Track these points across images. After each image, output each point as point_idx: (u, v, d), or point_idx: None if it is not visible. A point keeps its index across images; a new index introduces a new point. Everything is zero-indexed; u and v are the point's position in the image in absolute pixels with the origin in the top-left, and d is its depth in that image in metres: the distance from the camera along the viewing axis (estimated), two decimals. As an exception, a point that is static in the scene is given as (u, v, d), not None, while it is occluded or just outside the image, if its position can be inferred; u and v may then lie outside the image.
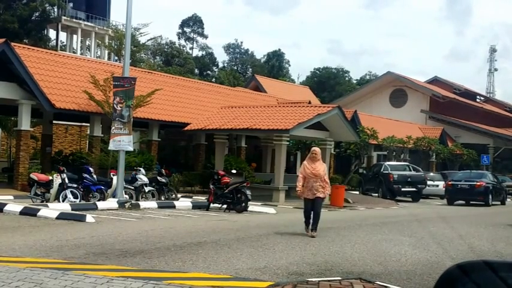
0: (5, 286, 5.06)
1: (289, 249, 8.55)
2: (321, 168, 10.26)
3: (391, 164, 27.26)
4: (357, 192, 27.67)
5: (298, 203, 19.85)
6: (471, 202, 23.28)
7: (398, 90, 44.64)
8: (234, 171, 17.62)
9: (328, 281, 6.11)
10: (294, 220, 13.55)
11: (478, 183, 23.23)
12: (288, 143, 21.49)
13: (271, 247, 8.67)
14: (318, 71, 67.90)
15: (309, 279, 6.17)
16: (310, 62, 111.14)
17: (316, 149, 10.55)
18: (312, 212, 10.19)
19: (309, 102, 28.00)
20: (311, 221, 10.17)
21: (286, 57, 69.72)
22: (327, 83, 63.86)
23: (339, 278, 6.35)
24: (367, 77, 69.75)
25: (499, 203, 24.38)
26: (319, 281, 6.06)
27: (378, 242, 9.98)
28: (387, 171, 25.72)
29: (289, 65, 70.97)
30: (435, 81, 50.86)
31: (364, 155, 29.96)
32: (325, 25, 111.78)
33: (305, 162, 10.40)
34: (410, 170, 26.25)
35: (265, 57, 69.44)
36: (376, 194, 26.25)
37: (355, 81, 68.62)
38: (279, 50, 69.80)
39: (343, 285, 5.89)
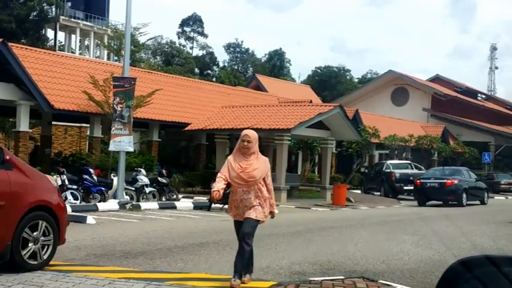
0: (4, 288, 5.00)
1: (291, 249, 8.48)
2: (259, 167, 5.76)
3: (393, 162, 27.20)
4: (359, 191, 27.63)
5: (300, 203, 19.86)
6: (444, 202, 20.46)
7: (399, 88, 44.57)
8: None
9: (331, 280, 6.04)
10: (296, 220, 13.49)
11: (449, 181, 20.44)
12: (289, 142, 21.41)
13: (273, 247, 8.60)
14: (319, 70, 67.83)
15: (312, 279, 6.10)
16: (312, 60, 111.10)
17: (250, 134, 5.91)
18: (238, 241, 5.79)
19: (310, 102, 27.91)
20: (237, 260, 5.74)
21: (287, 56, 69.61)
22: (328, 82, 63.80)
23: (342, 277, 6.28)
24: (369, 75, 69.68)
25: (478, 202, 21.61)
26: (321, 280, 5.99)
27: (380, 240, 9.91)
28: (389, 170, 25.66)
29: (290, 64, 70.89)
30: (437, 79, 50.79)
31: (365, 153, 29.90)
32: (327, 23, 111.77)
33: (230, 157, 5.96)
34: (412, 169, 26.17)
35: (266, 56, 69.40)
36: (378, 193, 26.21)
37: (356, 80, 68.56)
38: (280, 49, 69.73)
39: (346, 284, 5.81)
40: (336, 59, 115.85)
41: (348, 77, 68.89)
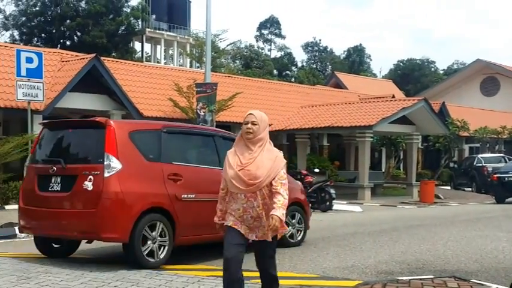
0: (105, 285, 5.36)
1: (377, 248, 8.35)
2: (266, 165, 4.14)
3: (484, 156, 25.89)
4: (448, 188, 26.59)
5: (385, 200, 19.44)
6: None
7: (489, 78, 42.20)
8: (316, 170, 17.53)
9: (420, 279, 5.89)
10: (381, 218, 13.24)
11: None
12: (371, 139, 21.03)
13: (358, 246, 8.52)
14: (401, 63, 65.85)
15: (399, 278, 5.99)
16: (393, 54, 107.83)
17: (255, 113, 4.35)
18: (260, 274, 4.50)
19: (393, 96, 27.21)
20: None
21: (367, 52, 68.39)
22: (412, 75, 61.76)
23: (432, 277, 6.11)
24: (455, 66, 66.62)
25: None
26: (410, 279, 5.86)
27: (472, 238, 9.49)
28: (481, 164, 24.47)
29: (371, 60, 69.69)
30: (530, 66, 47.50)
31: (454, 148, 28.65)
32: (408, 14, 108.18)
33: (229, 151, 4.36)
34: (506, 162, 24.72)
35: (345, 53, 68.50)
36: (470, 189, 25.08)
37: (441, 72, 65.76)
38: (360, 44, 68.61)
39: (436, 284, 5.65)
40: (419, 50, 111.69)
41: (433, 69, 66.22)
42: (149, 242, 6.35)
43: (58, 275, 5.80)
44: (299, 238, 8.46)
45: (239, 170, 4.13)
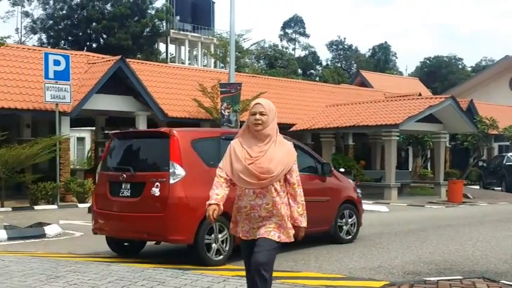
0: (132, 285, 5.41)
1: (404, 248, 8.24)
2: (278, 157, 3.78)
3: (514, 154, 25.32)
4: (477, 187, 26.08)
5: (412, 200, 19.18)
6: None
7: (519, 74, 41.25)
8: (342, 169, 17.33)
9: (448, 280, 5.78)
10: (408, 218, 13.07)
11: None
12: (398, 138, 20.77)
13: (385, 246, 8.43)
14: (428, 61, 64.96)
15: (427, 279, 5.89)
16: (419, 51, 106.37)
17: (264, 102, 3.89)
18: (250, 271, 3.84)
19: (419, 95, 26.82)
20: None
21: (393, 49, 67.63)
22: (439, 73, 60.84)
23: (460, 277, 5.99)
24: (483, 63, 65.32)
25: None
26: (438, 280, 5.76)
27: (502, 238, 9.29)
28: (511, 163, 23.93)
29: (396, 57, 68.74)
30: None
31: (483, 146, 28.07)
32: (435, 10, 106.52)
33: (234, 142, 3.91)
34: (536, 161, 24.17)
35: (370, 51, 67.89)
36: (499, 188, 24.54)
37: (469, 69, 64.61)
38: (385, 42, 68.00)
39: (465, 285, 5.54)
40: (446, 47, 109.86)
41: (460, 66, 65.14)
42: (213, 245, 6.84)
43: (86, 274, 5.88)
44: (352, 235, 8.84)
45: (249, 164, 3.73)
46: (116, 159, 7.55)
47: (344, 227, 8.68)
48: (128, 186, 7.01)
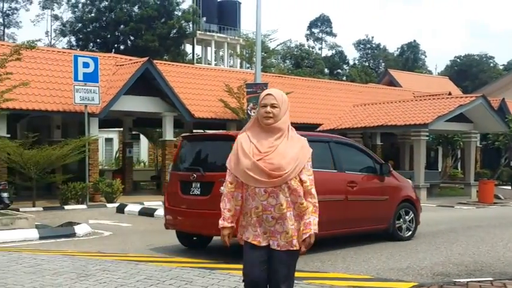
0: (159, 284, 5.46)
1: (433, 249, 8.11)
2: (291, 153, 3.40)
3: (547, 154, 24.68)
4: (509, 187, 25.47)
5: (442, 201, 18.85)
6: None
7: (552, 72, 40.17)
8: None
9: (478, 281, 5.67)
10: (437, 219, 12.85)
11: None
12: (427, 138, 20.47)
13: (413, 247, 8.31)
14: (458, 59, 63.90)
15: (456, 280, 5.79)
16: (449, 50, 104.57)
17: (275, 93, 3.49)
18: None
19: (449, 94, 26.33)
20: None
21: (422, 48, 66.68)
22: (469, 71, 59.77)
23: (491, 279, 5.87)
24: (516, 60, 63.93)
25: None
26: (467, 281, 5.65)
27: (535, 240, 9.05)
28: (544, 163, 23.34)
29: (425, 56, 67.83)
30: None
31: (515, 146, 27.47)
32: (465, 7, 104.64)
33: (241, 136, 3.53)
34: None
35: (399, 50, 67.08)
36: (532, 189, 23.98)
37: (501, 67, 63.26)
38: (414, 41, 67.02)
39: (495, 286, 5.42)
40: (476, 45, 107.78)
41: (492, 65, 63.85)
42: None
43: (115, 272, 5.96)
44: (410, 233, 9.16)
45: (258, 160, 3.33)
46: (186, 161, 8.17)
47: (403, 225, 9.06)
48: (198, 185, 7.54)
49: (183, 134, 8.78)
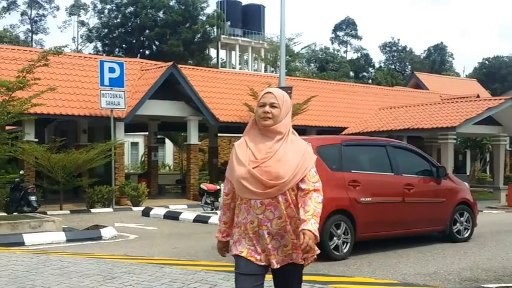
0: (184, 287, 5.47)
1: (460, 254, 7.95)
2: (291, 159, 2.96)
3: None
4: (540, 191, 24.84)
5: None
6: None
7: None
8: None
9: (507, 287, 5.53)
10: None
11: None
12: (455, 141, 20.14)
13: (440, 252, 8.16)
14: (487, 61, 62.79)
15: (485, 286, 5.67)
16: (478, 52, 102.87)
17: (275, 91, 3.09)
18: None
19: (477, 96, 25.92)
20: None
21: (449, 50, 65.80)
22: (498, 74, 58.67)
23: (521, 285, 5.72)
24: (547, 62, 62.52)
25: None
26: (496, 287, 5.52)
27: None
28: None
29: (453, 58, 66.86)
30: None
31: (546, 149, 26.81)
32: (494, 9, 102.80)
33: (237, 143, 3.14)
34: None
35: (425, 52, 66.26)
36: None
37: (531, 68, 61.97)
38: (441, 43, 66.19)
39: (527, 294, 5.28)
40: (506, 47, 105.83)
41: (521, 66, 62.51)
42: (335, 239, 7.50)
43: (140, 275, 6.00)
44: (466, 235, 9.21)
45: (254, 168, 2.92)
46: None
47: (460, 227, 9.12)
48: None
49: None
